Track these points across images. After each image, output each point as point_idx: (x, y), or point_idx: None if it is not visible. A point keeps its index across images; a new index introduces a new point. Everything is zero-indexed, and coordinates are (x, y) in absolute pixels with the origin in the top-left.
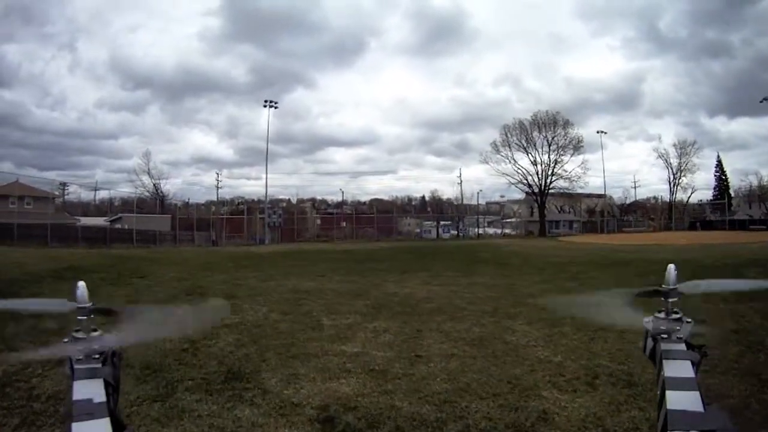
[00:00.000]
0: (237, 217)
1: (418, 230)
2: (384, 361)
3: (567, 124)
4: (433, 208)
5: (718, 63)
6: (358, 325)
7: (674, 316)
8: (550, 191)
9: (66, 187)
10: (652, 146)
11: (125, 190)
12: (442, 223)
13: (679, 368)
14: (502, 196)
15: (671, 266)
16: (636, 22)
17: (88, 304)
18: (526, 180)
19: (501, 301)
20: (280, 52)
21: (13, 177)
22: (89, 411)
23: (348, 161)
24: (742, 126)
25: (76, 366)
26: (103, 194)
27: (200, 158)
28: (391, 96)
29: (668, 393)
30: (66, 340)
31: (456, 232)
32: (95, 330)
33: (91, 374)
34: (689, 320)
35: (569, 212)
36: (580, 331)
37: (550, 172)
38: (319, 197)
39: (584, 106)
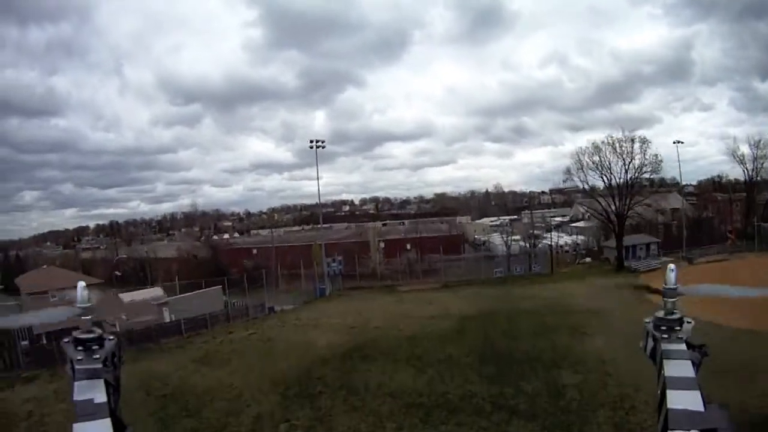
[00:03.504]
0: (296, 246)
1: (487, 251)
2: None
3: (645, 142)
4: (498, 203)
5: (763, 22)
6: None
7: (674, 316)
8: (628, 217)
9: None
10: (725, 144)
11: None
12: (511, 238)
13: (679, 368)
14: (564, 181)
15: (671, 266)
16: None
17: (88, 305)
18: (604, 210)
19: None
20: (326, 54)
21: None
22: (90, 411)
23: (407, 155)
24: None
25: (77, 366)
26: (166, 206)
27: (259, 164)
28: (443, 86)
29: (669, 392)
30: (66, 340)
31: (529, 262)
32: (95, 331)
33: (91, 375)
34: (690, 320)
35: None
36: None
37: (628, 201)
38: (381, 195)
39: (635, 80)
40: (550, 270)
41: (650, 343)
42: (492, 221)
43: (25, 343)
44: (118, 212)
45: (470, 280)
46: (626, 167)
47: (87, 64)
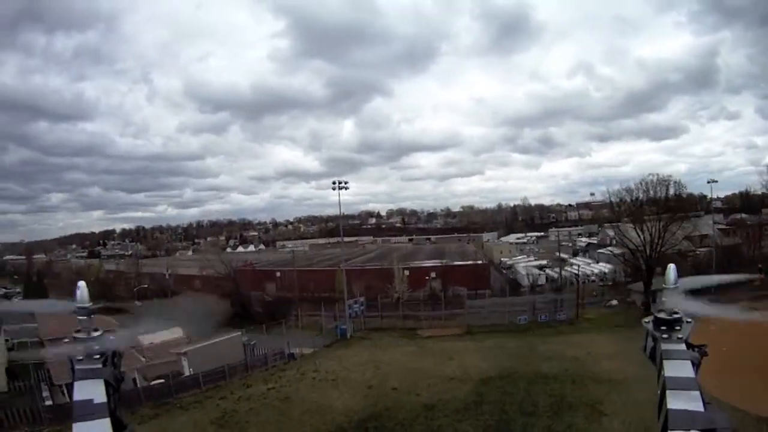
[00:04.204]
0: (319, 271)
1: (513, 277)
2: None
3: (680, 186)
4: (525, 217)
5: None
6: None
7: (674, 316)
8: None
9: None
10: (751, 155)
11: (215, 207)
12: (538, 267)
13: (679, 368)
14: (592, 194)
15: (671, 266)
16: None
17: (88, 305)
18: (633, 254)
19: None
20: (354, 64)
21: (98, 203)
22: (90, 411)
23: (434, 165)
24: None
25: (77, 366)
26: (193, 212)
27: (286, 172)
28: (470, 96)
29: (669, 392)
30: (66, 340)
31: (555, 308)
32: (96, 330)
33: (91, 374)
34: (689, 320)
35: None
36: None
37: (659, 245)
38: (408, 207)
39: (661, 89)
40: (576, 315)
41: (650, 343)
42: (518, 238)
43: (46, 394)
44: (146, 215)
45: (493, 325)
46: (659, 214)
47: (115, 71)
